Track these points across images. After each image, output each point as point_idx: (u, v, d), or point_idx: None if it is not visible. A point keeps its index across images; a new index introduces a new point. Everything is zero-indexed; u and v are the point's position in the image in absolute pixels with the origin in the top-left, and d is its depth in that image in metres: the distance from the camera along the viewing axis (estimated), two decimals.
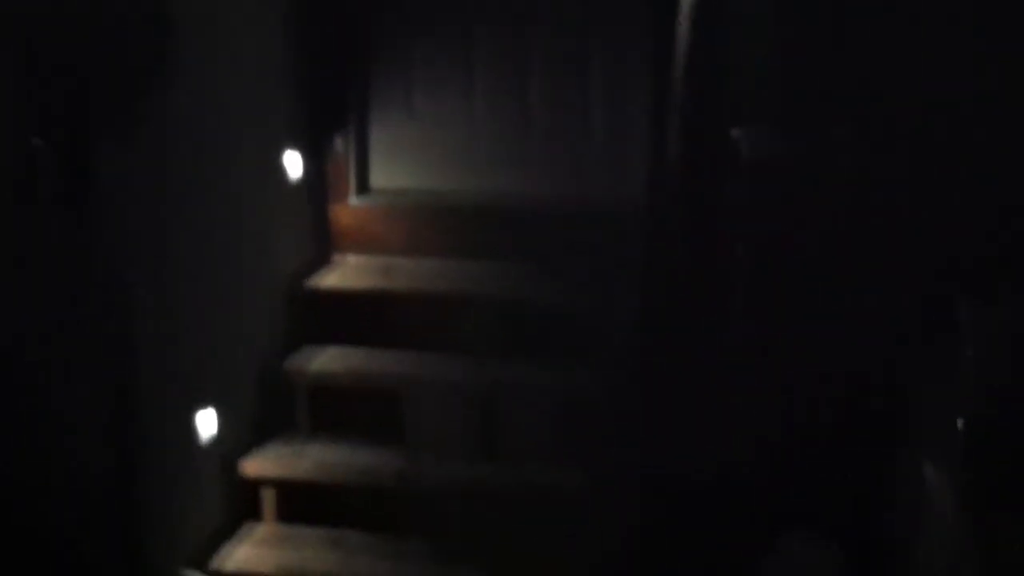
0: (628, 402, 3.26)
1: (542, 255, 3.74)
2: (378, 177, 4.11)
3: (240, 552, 3.36)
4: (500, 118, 3.97)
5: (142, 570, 2.72)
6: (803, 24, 3.23)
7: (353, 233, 3.96)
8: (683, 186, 3.25)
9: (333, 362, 3.65)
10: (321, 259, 3.93)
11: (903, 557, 2.93)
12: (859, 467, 3.22)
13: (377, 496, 3.46)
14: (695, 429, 3.19)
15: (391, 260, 3.91)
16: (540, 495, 3.34)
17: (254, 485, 3.48)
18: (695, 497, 3.16)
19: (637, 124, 3.59)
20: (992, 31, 3.07)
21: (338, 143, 3.97)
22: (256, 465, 3.46)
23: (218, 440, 3.33)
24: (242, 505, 3.48)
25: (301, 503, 3.50)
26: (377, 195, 4.09)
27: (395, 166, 4.08)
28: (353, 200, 4.03)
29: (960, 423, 2.66)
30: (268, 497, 3.49)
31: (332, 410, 3.65)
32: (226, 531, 3.43)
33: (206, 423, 3.29)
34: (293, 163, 3.79)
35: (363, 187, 4.09)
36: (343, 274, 3.87)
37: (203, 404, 3.28)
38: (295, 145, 3.79)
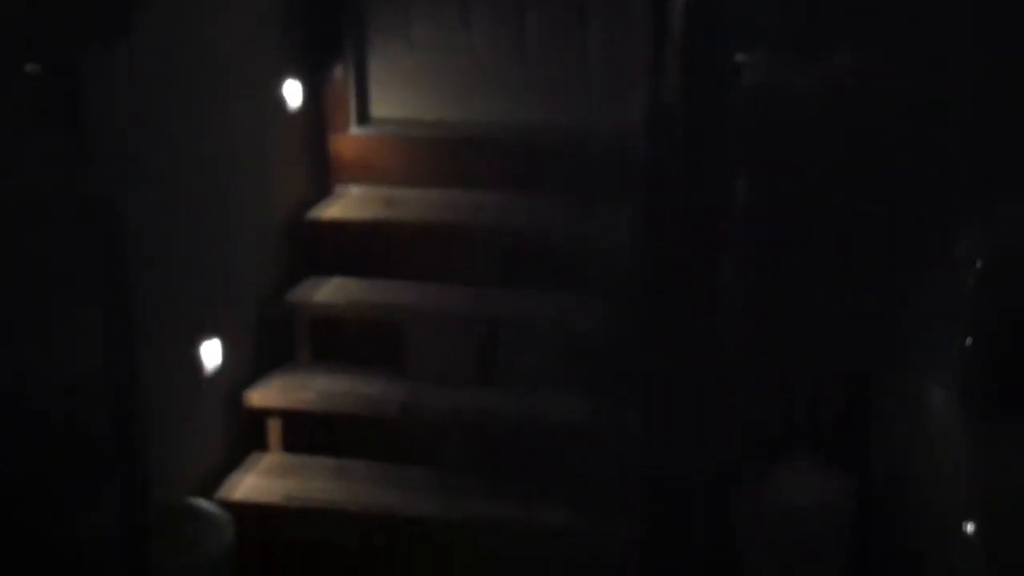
0: (627, 331, 3.27)
1: (542, 185, 3.73)
2: (378, 107, 4.08)
3: (246, 482, 3.40)
4: (498, 47, 3.92)
5: (150, 501, 2.75)
6: None
7: (354, 163, 3.94)
8: (683, 113, 3.23)
9: (335, 293, 3.66)
10: (322, 190, 3.92)
11: (904, 479, 2.96)
12: (859, 393, 3.24)
13: (381, 426, 3.49)
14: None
15: (392, 191, 3.89)
16: (541, 424, 3.37)
17: (259, 415, 3.51)
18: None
19: (636, 52, 3.54)
20: None
21: (337, 72, 3.93)
22: (261, 396, 3.49)
23: (222, 371, 3.35)
24: (247, 435, 3.51)
25: (306, 433, 3.54)
26: (378, 125, 4.06)
27: (395, 96, 4.05)
28: (354, 130, 4.01)
29: (968, 340, 2.71)
30: (273, 427, 3.53)
31: (334, 341, 3.67)
32: (232, 461, 3.46)
33: (210, 354, 3.31)
34: (292, 92, 3.76)
35: (363, 117, 4.06)
36: (344, 205, 3.86)
37: (207, 335, 3.29)
38: (294, 74, 3.76)
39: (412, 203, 3.82)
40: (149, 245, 2.94)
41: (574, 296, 3.49)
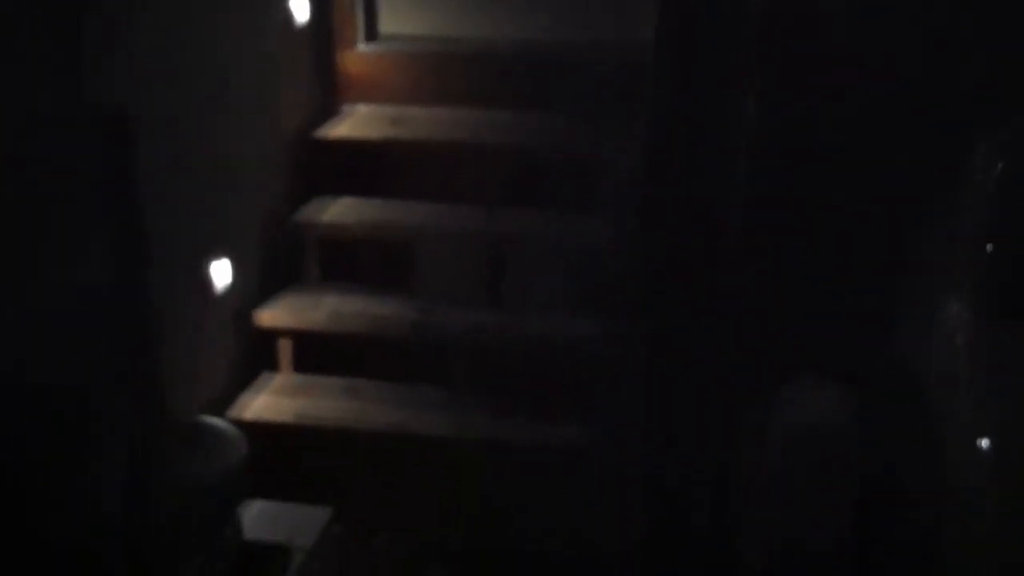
0: (635, 251, 3.25)
1: (551, 102, 3.68)
2: (387, 23, 4.02)
3: (258, 401, 3.41)
4: None
5: (161, 419, 2.76)
6: None
7: (362, 81, 3.90)
8: (692, 32, 3.17)
9: (344, 213, 3.63)
10: (330, 108, 3.87)
11: (914, 392, 2.95)
12: (865, 307, 3.22)
13: (391, 345, 3.48)
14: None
15: (401, 109, 3.85)
16: (550, 343, 3.36)
17: (269, 336, 3.51)
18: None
19: None
20: None
21: None
22: (271, 316, 3.48)
23: (231, 291, 3.34)
24: (258, 355, 3.51)
25: (316, 353, 3.54)
26: (386, 41, 4.01)
27: (403, 12, 3.99)
28: (361, 47, 3.96)
29: (989, 247, 2.71)
30: (284, 347, 3.53)
31: (343, 261, 3.65)
32: (243, 381, 3.47)
33: (220, 274, 3.29)
34: (300, 6, 3.69)
35: (371, 33, 4.01)
36: (352, 124, 3.82)
37: (215, 255, 3.27)
38: None
39: (420, 121, 3.78)
40: (155, 163, 2.91)
41: (584, 215, 3.46)
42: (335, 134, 3.75)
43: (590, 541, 3.18)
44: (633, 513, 3.17)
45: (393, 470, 3.32)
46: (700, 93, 3.19)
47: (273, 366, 3.54)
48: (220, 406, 3.33)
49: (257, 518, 3.03)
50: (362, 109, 3.89)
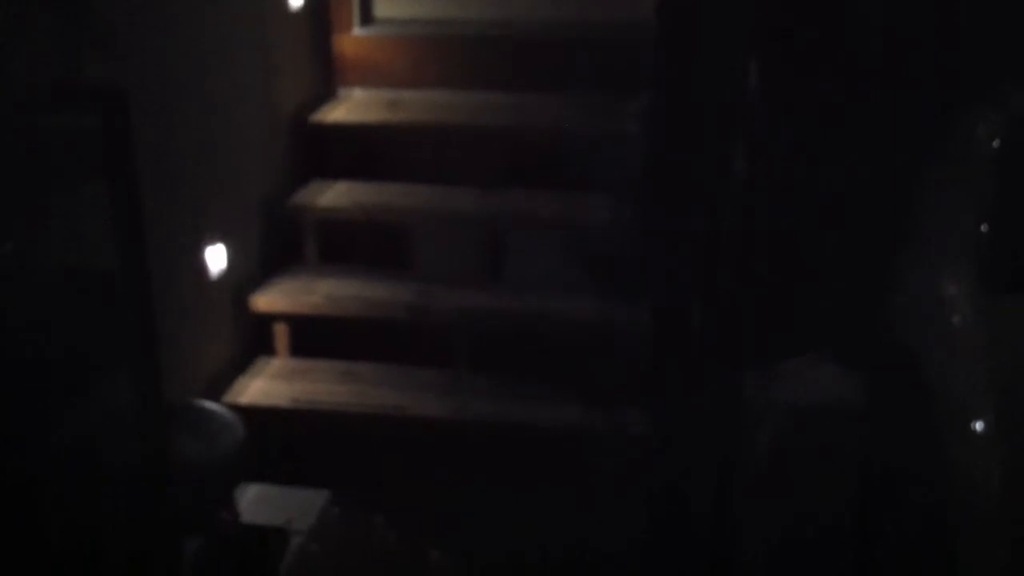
0: (635, 230, 3.24)
1: (549, 84, 3.67)
2: (382, 6, 4.01)
3: (254, 386, 3.39)
4: None
5: (157, 404, 2.75)
6: None
7: (358, 65, 3.88)
8: (693, 9, 3.15)
9: (340, 196, 3.62)
10: (326, 92, 3.86)
11: (914, 371, 2.94)
12: (865, 287, 3.21)
13: (388, 328, 3.47)
14: None
15: (397, 93, 3.84)
16: (550, 323, 3.35)
17: (266, 320, 3.50)
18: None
19: None
20: None
21: None
22: (267, 300, 3.47)
23: (228, 275, 3.32)
24: (254, 340, 3.50)
25: (313, 337, 3.52)
26: (382, 25, 3.99)
27: None
28: (357, 30, 3.94)
29: (984, 227, 2.70)
30: (280, 331, 3.51)
31: (340, 244, 3.64)
32: (240, 365, 3.45)
33: (215, 258, 3.28)
34: None
35: (367, 16, 4.00)
36: (349, 107, 3.80)
37: (211, 239, 3.26)
38: None
39: (417, 105, 3.77)
40: (151, 144, 2.89)
41: (583, 195, 3.45)
42: (332, 118, 3.73)
43: (592, 517, 3.17)
44: (634, 507, 3.16)
45: (391, 453, 3.30)
46: (700, 71, 3.17)
47: (270, 350, 3.52)
48: (217, 390, 3.32)
49: (255, 501, 3.02)
50: (358, 93, 3.88)
